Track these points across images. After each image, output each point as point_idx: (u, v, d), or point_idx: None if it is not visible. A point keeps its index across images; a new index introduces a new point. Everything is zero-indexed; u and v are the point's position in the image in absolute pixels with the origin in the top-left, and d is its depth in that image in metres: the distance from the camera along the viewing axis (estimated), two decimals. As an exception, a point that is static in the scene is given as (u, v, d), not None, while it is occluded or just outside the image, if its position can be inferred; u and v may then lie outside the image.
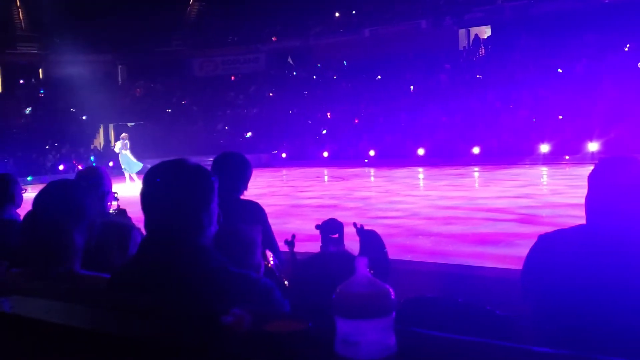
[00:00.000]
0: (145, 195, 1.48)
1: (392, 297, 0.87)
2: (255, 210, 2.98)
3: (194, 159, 1.57)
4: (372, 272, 1.32)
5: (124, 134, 20.95)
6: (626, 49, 25.30)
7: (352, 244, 1.72)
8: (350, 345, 0.84)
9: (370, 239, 1.41)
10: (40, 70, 35.98)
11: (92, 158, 27.09)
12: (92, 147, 30.65)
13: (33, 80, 35.70)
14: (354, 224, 1.49)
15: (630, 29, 25.53)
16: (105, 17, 33.50)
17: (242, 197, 3.06)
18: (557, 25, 27.77)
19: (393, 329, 0.86)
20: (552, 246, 2.11)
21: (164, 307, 1.26)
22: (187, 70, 37.57)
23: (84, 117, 32.10)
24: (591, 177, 2.04)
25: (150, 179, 1.49)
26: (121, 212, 3.06)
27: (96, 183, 2.88)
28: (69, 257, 1.88)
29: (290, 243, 1.59)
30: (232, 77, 36.30)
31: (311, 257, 1.41)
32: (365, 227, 1.90)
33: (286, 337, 0.94)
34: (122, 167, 19.82)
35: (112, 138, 33.82)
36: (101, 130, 33.74)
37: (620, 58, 24.72)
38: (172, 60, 36.88)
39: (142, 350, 1.16)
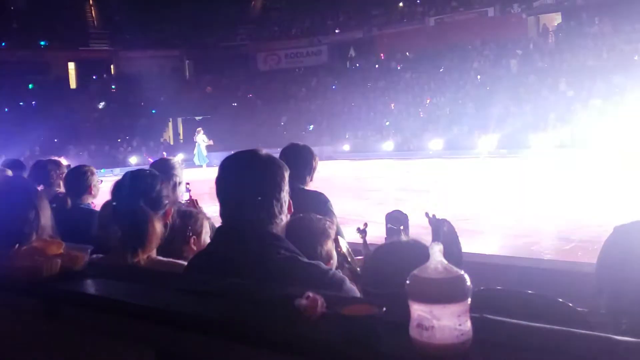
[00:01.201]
0: (219, 183, 1.53)
1: (468, 283, 0.87)
2: (320, 201, 3.02)
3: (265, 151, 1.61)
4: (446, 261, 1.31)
5: (198, 128, 22.89)
6: None
7: (420, 234, 1.71)
8: (425, 330, 0.85)
9: (443, 228, 1.41)
10: (112, 66, 37.48)
11: (164, 152, 28.06)
12: (161, 140, 31.70)
13: (105, 75, 37.23)
14: (426, 214, 1.49)
15: None
16: (172, 12, 34.47)
17: (307, 187, 3.10)
18: (632, 9, 26.22)
19: (468, 315, 0.86)
20: (628, 238, 2.02)
21: (239, 291, 1.30)
22: (252, 64, 38.13)
23: (153, 111, 33.23)
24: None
25: (224, 167, 1.54)
26: (193, 203, 3.16)
27: (169, 174, 2.98)
28: (147, 243, 1.97)
29: (363, 231, 1.60)
30: (295, 70, 36.55)
31: (384, 245, 1.42)
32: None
33: (362, 320, 0.96)
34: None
35: (180, 131, 34.85)
36: (170, 124, 34.82)
37: None
38: (237, 55, 37.52)
39: (217, 330, 1.20)
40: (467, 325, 0.86)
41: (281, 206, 1.49)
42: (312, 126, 30.28)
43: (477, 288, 2.19)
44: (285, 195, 1.51)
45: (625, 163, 15.86)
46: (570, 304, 2.06)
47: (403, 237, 1.62)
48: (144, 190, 2.02)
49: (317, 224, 1.86)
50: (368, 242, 2.02)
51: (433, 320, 0.84)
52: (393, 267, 1.08)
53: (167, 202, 2.06)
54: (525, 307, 2.10)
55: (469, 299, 0.87)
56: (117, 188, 2.04)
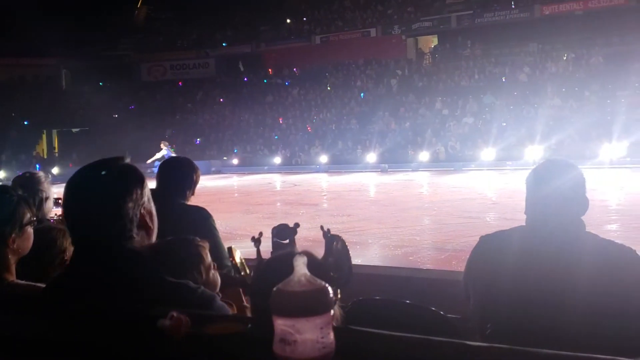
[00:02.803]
0: (64, 201, 1.42)
1: (331, 294, 0.87)
2: (201, 216, 2.93)
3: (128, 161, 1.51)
4: (336, 275, 1.32)
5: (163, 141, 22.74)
6: (564, 59, 26.47)
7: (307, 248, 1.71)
8: (288, 345, 0.83)
9: (335, 244, 1.41)
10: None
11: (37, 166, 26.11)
12: (34, 153, 29.54)
13: (-30, 83, 34.19)
14: (321, 227, 1.49)
15: (568, 40, 26.80)
16: (50, 20, 32.41)
17: (187, 202, 3.01)
18: (501, 35, 28.77)
19: (331, 327, 0.86)
20: (492, 247, 2.15)
21: (99, 313, 1.22)
22: (135, 75, 36.79)
23: (25, 123, 30.93)
24: (528, 180, 2.11)
25: (69, 183, 1.42)
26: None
27: (34, 189, 2.77)
28: (4, 267, 1.80)
29: (257, 241, 1.56)
30: (180, 83, 35.74)
31: (275, 257, 1.40)
32: (319, 231, 1.90)
33: (225, 339, 0.93)
34: None
35: (55, 144, 32.69)
36: (44, 136, 32.59)
37: (560, 68, 25.87)
38: (120, 65, 36.03)
39: (75, 354, 1.12)
40: (330, 337, 0.86)
41: (133, 220, 1.38)
42: (199, 139, 29.72)
43: (357, 298, 2.25)
44: (139, 209, 1.40)
45: (495, 177, 17.15)
46: (442, 312, 2.17)
47: (296, 249, 1.61)
48: (-1, 207, 1.85)
49: (188, 248, 1.79)
50: (254, 258, 2.00)
51: (296, 334, 0.83)
52: (281, 279, 1.06)
53: (25, 220, 1.90)
54: (399, 316, 2.18)
55: (332, 311, 0.87)
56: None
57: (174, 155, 18.29)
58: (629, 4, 26.42)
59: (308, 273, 0.86)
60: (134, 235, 1.37)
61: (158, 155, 21.41)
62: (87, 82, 35.22)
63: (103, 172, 1.39)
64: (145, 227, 1.43)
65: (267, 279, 1.11)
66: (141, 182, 1.45)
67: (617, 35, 26.01)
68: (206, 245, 1.85)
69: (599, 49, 25.83)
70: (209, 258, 1.83)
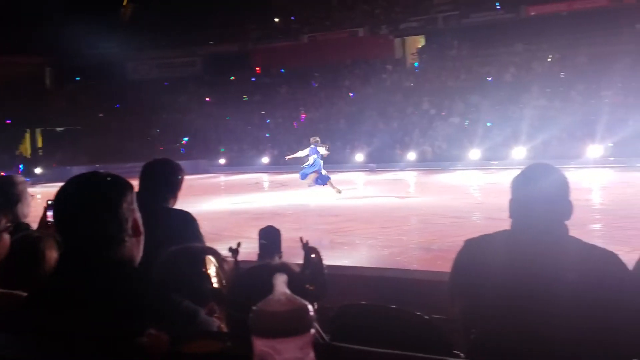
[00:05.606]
0: (54, 212, 1.44)
1: (311, 313, 0.85)
2: (186, 220, 2.89)
3: (117, 167, 1.52)
4: (312, 288, 1.31)
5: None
6: (549, 59, 26.70)
7: (293, 250, 1.71)
8: (267, 365, 0.82)
9: (312, 256, 1.39)
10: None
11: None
12: (17, 153, 29.19)
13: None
14: (301, 239, 1.47)
15: (553, 41, 27.05)
16: (34, 17, 32.03)
17: (171, 206, 2.96)
18: (487, 36, 28.95)
19: (311, 346, 0.85)
20: (477, 252, 2.15)
21: (76, 327, 1.19)
22: (121, 74, 36.47)
23: (8, 121, 30.55)
24: (513, 184, 2.11)
25: (57, 195, 1.44)
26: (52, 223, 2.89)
27: (8, 193, 2.74)
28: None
29: (235, 251, 1.54)
30: (166, 82, 35.48)
31: (252, 269, 1.38)
32: (307, 232, 1.87)
33: (202, 358, 0.91)
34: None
35: (39, 143, 32.34)
36: (27, 135, 32.22)
37: (545, 68, 26.11)
38: (105, 63, 35.69)
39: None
40: (310, 356, 0.85)
41: (128, 223, 1.40)
42: (185, 139, 29.54)
43: (343, 303, 2.24)
44: (131, 213, 1.42)
45: (481, 176, 17.24)
46: (427, 317, 2.17)
47: (273, 258, 1.59)
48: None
49: (199, 254, 1.77)
50: (244, 260, 1.96)
51: (275, 355, 0.81)
52: (257, 291, 1.05)
53: (1, 227, 1.86)
54: (385, 322, 2.18)
55: (312, 330, 0.86)
56: None
57: (323, 153, 14.40)
58: (612, 5, 26.70)
59: (288, 292, 0.85)
60: (126, 240, 1.38)
61: (301, 154, 15.31)
62: (72, 81, 34.89)
63: (96, 177, 1.42)
64: (136, 233, 1.44)
65: (243, 291, 1.09)
66: (131, 187, 1.49)
67: (601, 35, 26.28)
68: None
69: (583, 49, 26.08)
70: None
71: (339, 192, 13.77)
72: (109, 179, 1.46)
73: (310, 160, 14.31)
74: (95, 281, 1.31)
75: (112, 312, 1.23)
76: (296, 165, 23.77)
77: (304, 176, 14.38)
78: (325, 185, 14.02)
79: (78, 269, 1.36)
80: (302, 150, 15.08)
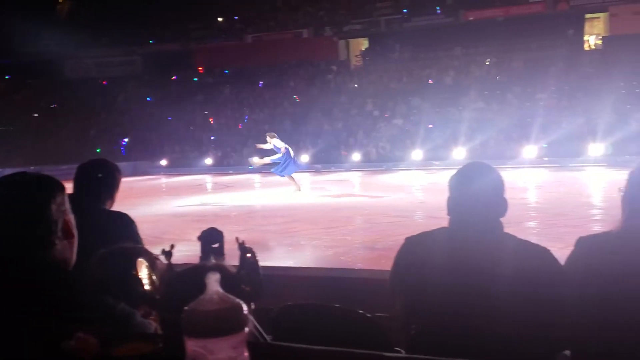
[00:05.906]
0: None
1: (244, 312, 0.84)
2: (123, 222, 2.81)
3: (54, 167, 1.47)
4: (248, 288, 1.29)
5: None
6: (487, 63, 27.60)
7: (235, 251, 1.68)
8: (200, 365, 0.80)
9: (248, 256, 1.38)
10: None
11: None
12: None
13: None
14: (237, 239, 1.45)
15: (491, 45, 27.99)
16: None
17: (108, 207, 2.87)
18: (428, 39, 29.65)
19: (245, 345, 0.84)
20: (417, 249, 2.19)
21: (3, 332, 1.13)
22: (57, 73, 35.12)
23: None
24: (451, 182, 2.15)
25: None
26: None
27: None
28: None
29: (168, 253, 1.50)
30: (104, 82, 34.43)
31: (185, 270, 1.35)
32: (251, 233, 1.85)
33: (133, 361, 0.88)
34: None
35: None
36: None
37: (483, 71, 26.95)
38: (40, 62, 34.28)
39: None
40: (244, 356, 0.83)
41: (57, 225, 1.34)
42: (126, 140, 28.73)
43: (284, 303, 2.23)
44: (62, 214, 1.36)
45: (423, 176, 17.61)
46: (369, 315, 2.18)
47: (213, 259, 1.56)
48: None
49: (131, 255, 1.71)
50: (184, 262, 1.92)
51: (208, 355, 0.79)
52: (190, 293, 1.02)
53: None
54: (326, 320, 2.18)
55: (247, 329, 0.85)
56: None
57: (284, 149, 14.32)
58: (547, 11, 27.87)
59: (221, 290, 0.83)
60: (56, 242, 1.33)
61: (267, 146, 15.13)
62: (5, 80, 33.33)
63: (24, 178, 1.36)
64: (68, 235, 1.39)
65: (177, 292, 1.07)
66: (62, 188, 1.43)
67: (536, 40, 27.39)
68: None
69: (519, 53, 27.08)
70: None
71: (299, 189, 14.11)
72: (37, 179, 1.41)
73: (278, 155, 14.58)
74: (23, 283, 1.26)
75: (40, 315, 1.18)
76: (238, 166, 23.61)
77: (282, 174, 14.75)
78: (284, 177, 14.52)
79: (5, 271, 1.30)
80: (266, 144, 15.11)
